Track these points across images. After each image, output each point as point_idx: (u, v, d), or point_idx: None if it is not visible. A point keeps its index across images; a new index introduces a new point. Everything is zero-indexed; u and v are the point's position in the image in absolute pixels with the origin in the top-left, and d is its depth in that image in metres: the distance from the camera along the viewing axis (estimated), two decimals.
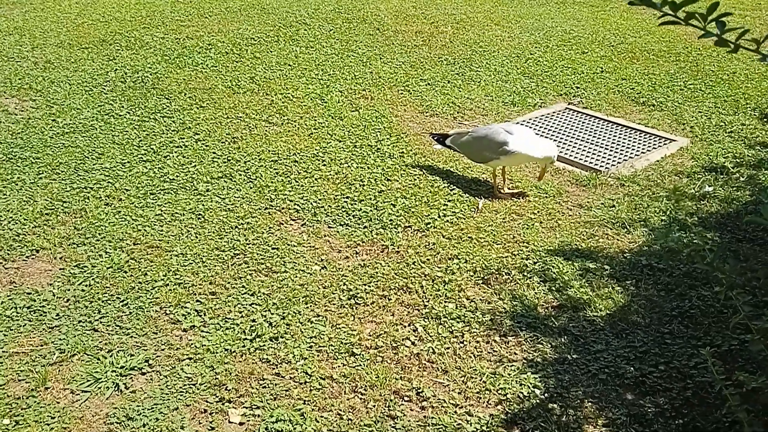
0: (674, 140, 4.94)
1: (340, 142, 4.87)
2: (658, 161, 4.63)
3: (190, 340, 3.03)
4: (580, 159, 4.69)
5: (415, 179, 4.35)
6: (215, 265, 3.52)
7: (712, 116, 5.28)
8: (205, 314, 3.18)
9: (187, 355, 2.93)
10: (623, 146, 4.87)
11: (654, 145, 4.89)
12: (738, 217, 3.91)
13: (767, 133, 4.97)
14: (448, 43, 6.93)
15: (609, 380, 2.79)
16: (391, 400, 2.70)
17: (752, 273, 3.28)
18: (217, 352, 2.94)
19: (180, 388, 2.76)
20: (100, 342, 3.01)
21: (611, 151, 4.81)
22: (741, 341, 2.92)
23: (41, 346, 2.99)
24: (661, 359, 2.88)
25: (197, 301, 3.26)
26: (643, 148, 4.83)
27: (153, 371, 2.86)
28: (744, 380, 2.01)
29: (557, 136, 5.01)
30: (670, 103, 5.54)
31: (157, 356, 2.93)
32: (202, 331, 3.07)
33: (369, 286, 3.36)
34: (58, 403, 2.70)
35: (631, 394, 2.72)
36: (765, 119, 5.21)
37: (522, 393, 2.71)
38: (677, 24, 1.45)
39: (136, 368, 2.86)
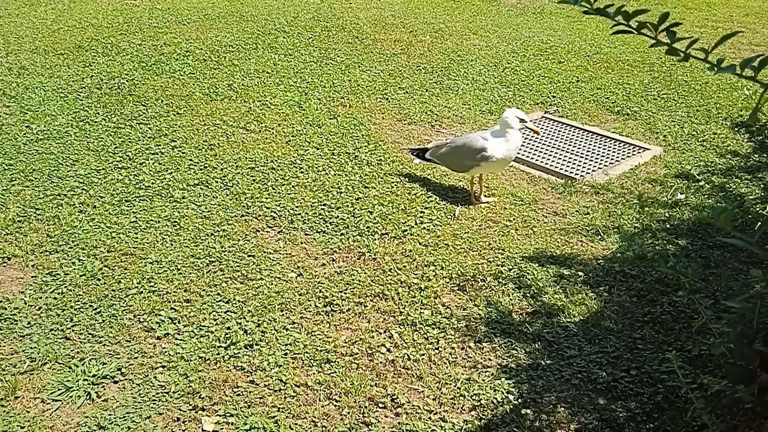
0: (648, 149, 5.02)
1: (317, 149, 4.87)
2: (632, 169, 4.70)
3: (164, 347, 3.00)
4: (556, 167, 4.74)
5: (392, 187, 4.37)
6: (190, 273, 3.50)
7: (684, 125, 5.38)
8: (179, 322, 3.15)
9: (160, 363, 2.91)
10: (598, 154, 4.93)
11: (628, 153, 4.96)
12: (709, 224, 3.98)
13: (738, 142, 5.07)
14: (427, 52, 6.98)
15: (581, 385, 2.82)
16: (365, 407, 2.70)
17: (719, 279, 3.34)
18: (191, 360, 2.92)
19: (153, 396, 2.74)
20: (71, 350, 2.98)
21: (586, 159, 4.87)
22: (710, 344, 2.96)
23: (11, 354, 2.95)
24: (633, 364, 2.92)
25: (171, 308, 3.24)
26: (617, 157, 4.90)
27: (125, 379, 2.83)
28: (708, 383, 2.04)
29: (533, 145, 5.06)
30: (644, 113, 5.63)
31: (130, 364, 2.90)
32: (176, 339, 3.05)
33: (345, 293, 3.36)
34: (28, 412, 2.66)
35: (603, 399, 2.75)
36: (736, 128, 5.31)
37: (496, 399, 2.73)
38: (629, 33, 1.48)
39: (108, 377, 2.83)
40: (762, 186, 4.36)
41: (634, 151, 5.00)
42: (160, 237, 3.80)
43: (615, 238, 3.86)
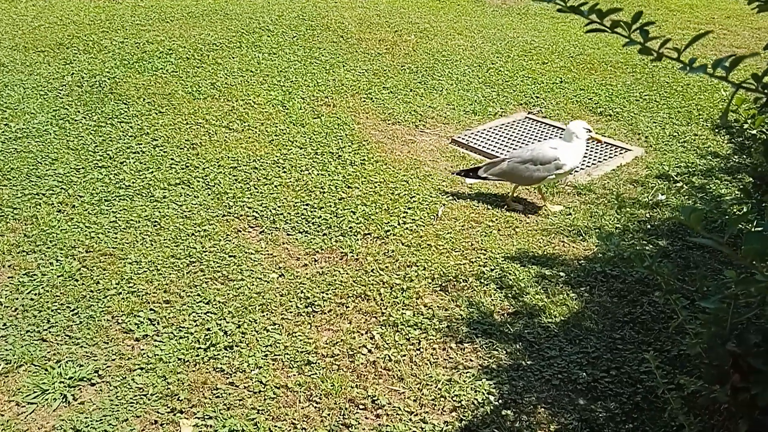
0: (629, 149, 5.05)
1: (301, 149, 4.85)
2: (613, 170, 4.72)
3: (143, 349, 2.97)
4: None
5: (375, 186, 4.36)
6: (170, 273, 3.47)
7: (666, 126, 5.41)
8: (158, 323, 3.12)
9: (138, 365, 2.88)
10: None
11: (610, 154, 4.99)
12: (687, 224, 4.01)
13: (718, 143, 5.11)
14: (411, 52, 6.97)
15: (562, 386, 2.82)
16: (346, 409, 2.68)
17: (690, 276, 3.36)
18: (169, 362, 2.89)
19: (130, 399, 2.70)
20: (48, 352, 2.94)
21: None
22: (686, 345, 2.98)
23: None
24: (613, 364, 2.93)
25: (151, 309, 3.21)
26: (599, 157, 4.93)
27: (103, 382, 2.79)
28: (685, 384, 2.06)
29: (517, 145, 5.07)
30: (626, 114, 5.66)
31: (108, 366, 2.87)
32: (155, 341, 3.02)
33: (327, 294, 3.35)
34: (2, 415, 2.62)
35: (583, 399, 2.75)
36: (716, 130, 5.36)
37: (477, 399, 2.73)
38: (603, 32, 1.48)
39: (85, 379, 2.80)
40: (741, 187, 4.40)
41: (615, 151, 5.03)
42: (140, 237, 3.76)
43: (596, 239, 3.87)
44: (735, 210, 2.11)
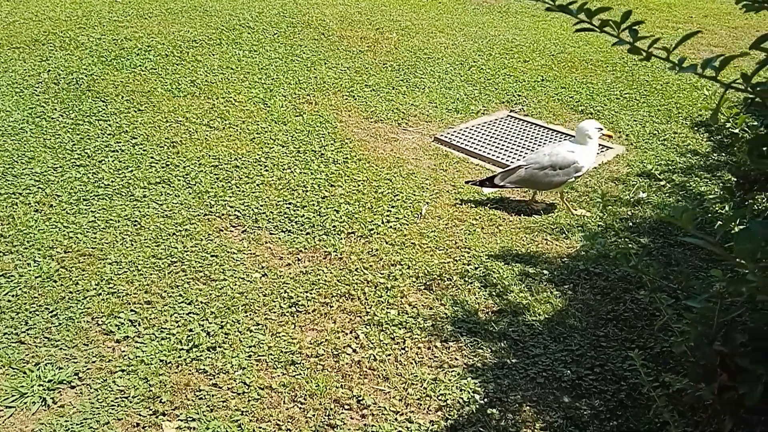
0: (611, 148, 5.08)
1: (283, 147, 4.81)
2: (595, 168, 4.75)
3: (123, 351, 2.92)
4: None
5: (358, 185, 4.33)
6: (151, 274, 3.42)
7: (646, 125, 5.46)
8: (139, 324, 3.07)
9: (119, 367, 2.83)
10: None
11: None
12: (670, 222, 4.05)
13: (698, 141, 5.16)
14: (393, 50, 6.95)
15: (547, 384, 2.83)
16: (331, 409, 2.66)
17: (674, 274, 3.40)
18: (151, 364, 2.85)
19: (111, 401, 2.66)
20: (26, 355, 2.88)
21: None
22: (670, 342, 3.01)
23: None
24: (597, 362, 2.94)
25: (131, 310, 3.16)
26: None
27: (83, 384, 2.74)
28: (670, 381, 2.07)
29: (499, 143, 5.08)
30: (607, 112, 5.70)
31: (88, 369, 2.82)
32: (136, 342, 2.97)
33: (310, 294, 3.32)
34: None
35: (567, 397, 2.76)
36: (695, 128, 5.42)
37: (462, 398, 2.72)
38: (592, 31, 1.48)
39: (64, 382, 2.74)
40: (720, 185, 4.46)
41: (597, 150, 5.05)
42: (120, 237, 3.70)
43: (579, 237, 3.89)
44: (717, 208, 2.13)
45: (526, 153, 4.96)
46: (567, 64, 6.79)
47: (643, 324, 3.18)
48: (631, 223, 4.05)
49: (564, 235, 3.90)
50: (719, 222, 2.47)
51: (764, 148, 1.39)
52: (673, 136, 5.25)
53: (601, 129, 4.10)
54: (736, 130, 2.28)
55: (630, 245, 3.80)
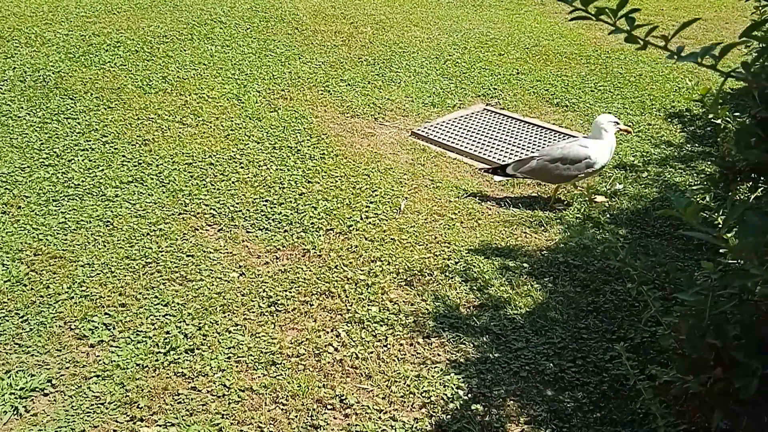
0: None
1: (258, 143, 4.74)
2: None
3: (98, 356, 2.84)
4: (498, 159, 4.76)
5: (336, 181, 4.29)
6: (125, 275, 3.33)
7: (620, 117, 5.49)
8: (114, 328, 2.99)
9: (94, 372, 2.75)
10: (539, 146, 4.98)
11: None
12: (647, 213, 4.08)
13: (671, 132, 5.21)
14: (368, 44, 6.90)
15: (530, 377, 2.82)
16: (313, 409, 2.62)
17: (660, 267, 3.42)
18: (127, 368, 2.78)
19: (87, 408, 2.58)
20: None
21: (528, 151, 4.91)
22: (651, 333, 3.03)
23: None
24: (579, 354, 2.94)
25: (105, 314, 3.07)
26: None
27: (56, 392, 2.66)
28: (656, 374, 2.07)
29: (476, 137, 5.07)
30: (582, 104, 5.72)
31: (61, 375, 2.74)
32: (111, 346, 2.89)
33: (290, 292, 3.27)
34: None
35: (551, 390, 2.76)
36: (669, 119, 5.47)
37: (446, 395, 2.70)
38: (588, 19, 1.45)
39: (37, 389, 2.66)
40: (695, 175, 4.50)
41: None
42: (92, 238, 3.60)
43: (558, 229, 3.90)
44: (698, 199, 2.15)
45: (503, 146, 4.96)
46: (541, 57, 6.81)
47: (623, 315, 3.19)
48: (608, 215, 4.06)
49: (543, 228, 3.90)
50: (703, 213, 2.48)
51: (751, 139, 1.38)
52: (648, 128, 5.29)
53: (617, 123, 4.05)
54: (719, 121, 2.29)
55: (608, 236, 3.81)
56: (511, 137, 5.11)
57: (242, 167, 4.41)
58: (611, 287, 3.39)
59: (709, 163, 4.61)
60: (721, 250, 1.87)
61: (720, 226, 1.73)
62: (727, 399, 1.51)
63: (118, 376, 2.73)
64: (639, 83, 6.18)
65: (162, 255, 3.50)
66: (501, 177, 4.24)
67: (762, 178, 1.70)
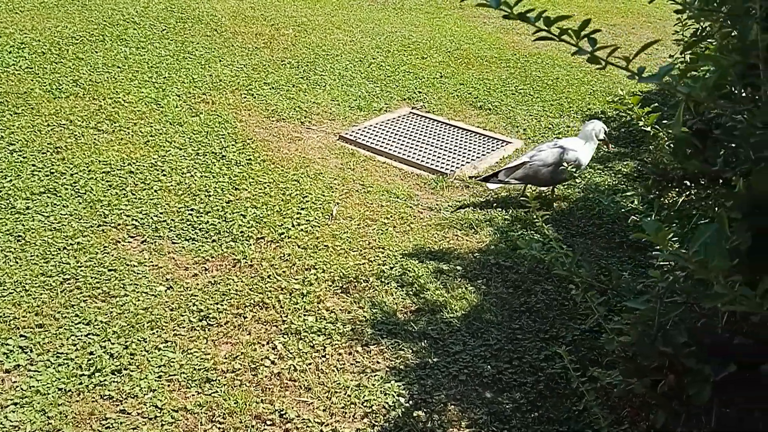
0: (510, 142, 5.23)
1: (180, 149, 4.56)
2: (497, 162, 4.87)
3: (15, 382, 2.64)
4: (427, 162, 4.80)
5: (265, 187, 4.19)
6: (41, 294, 3.12)
7: (541, 119, 5.67)
8: (31, 351, 2.79)
9: (11, 400, 2.55)
10: (465, 149, 5.06)
11: (493, 147, 5.14)
12: (571, 213, 4.22)
13: None
14: (290, 46, 6.80)
15: (469, 380, 2.85)
16: (252, 426, 2.54)
17: (600, 270, 3.53)
18: (48, 394, 2.59)
19: None
20: None
21: (455, 153, 4.98)
22: (582, 331, 3.13)
23: None
24: (515, 355, 3.00)
25: (21, 336, 2.86)
26: (483, 151, 5.06)
27: None
28: (598, 376, 2.13)
29: (404, 140, 5.09)
30: (504, 107, 5.86)
31: None
32: (29, 371, 2.70)
33: (222, 305, 3.16)
34: None
35: (489, 392, 2.80)
36: (585, 121, 5.68)
37: (387, 403, 2.68)
38: (551, 40, 1.47)
39: None
40: (612, 174, 4.71)
41: (498, 144, 5.19)
42: (2, 254, 3.35)
43: (488, 231, 3.97)
44: (627, 202, 2.23)
45: (431, 150, 5.01)
46: (463, 61, 6.93)
47: (555, 314, 3.28)
48: (534, 216, 4.16)
49: (473, 230, 3.96)
50: (633, 217, 2.59)
51: (687, 149, 1.44)
52: (567, 130, 5.48)
53: (604, 132, 4.24)
54: (647, 128, 2.39)
55: (536, 236, 3.91)
56: (438, 140, 5.17)
57: (164, 175, 4.23)
58: (542, 287, 3.48)
59: (625, 163, 4.83)
60: (653, 253, 1.96)
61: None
62: (670, 400, 1.58)
63: (39, 403, 2.54)
64: (557, 86, 6.40)
65: (81, 270, 3.30)
66: (494, 185, 4.30)
67: (693, 185, 1.79)
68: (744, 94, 1.45)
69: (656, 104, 3.09)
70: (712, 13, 1.40)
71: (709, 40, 2.10)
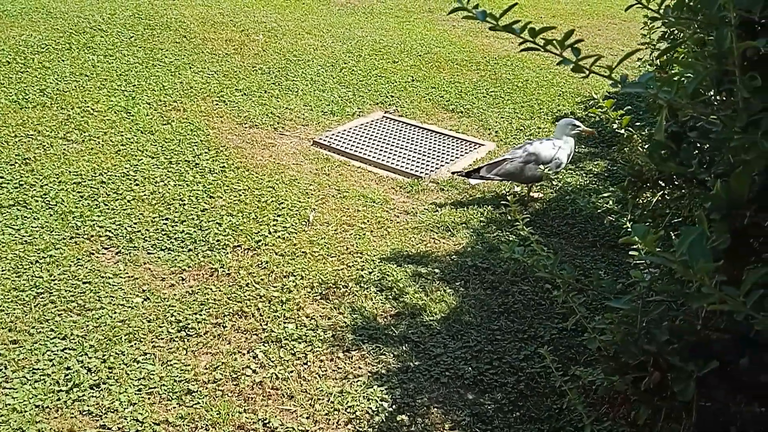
0: (483, 144, 5.28)
1: (152, 158, 4.51)
2: (470, 164, 4.91)
3: None
4: (401, 166, 4.82)
5: (240, 195, 4.16)
6: (14, 309, 3.06)
7: (512, 121, 5.74)
8: (6, 368, 2.73)
9: None
10: (439, 152, 5.10)
11: (465, 149, 5.18)
12: (545, 213, 4.28)
13: None
14: (261, 52, 6.77)
15: (450, 383, 2.87)
16: None
17: (579, 271, 3.58)
18: (25, 411, 2.54)
19: None
20: None
21: (428, 157, 5.01)
22: (559, 330, 3.18)
23: None
24: (495, 356, 3.03)
25: None
26: (456, 153, 5.10)
27: None
28: (581, 375, 2.17)
29: (378, 145, 5.11)
30: (475, 110, 5.92)
31: None
32: (5, 388, 2.64)
33: (200, 315, 3.13)
34: None
35: (471, 394, 2.82)
36: (555, 122, 5.77)
37: (371, 408, 2.69)
38: (536, 50, 1.50)
39: None
40: (584, 174, 4.79)
41: (471, 147, 5.24)
42: None
43: (464, 233, 4.00)
44: (602, 203, 2.28)
45: (405, 153, 5.03)
46: (434, 64, 6.97)
47: (532, 314, 3.33)
48: (509, 217, 4.22)
49: (450, 232, 3.99)
50: (609, 217, 2.64)
51: (663, 152, 1.49)
52: (538, 131, 5.56)
53: (579, 126, 4.32)
54: (621, 130, 2.45)
55: (511, 237, 3.96)
56: (412, 144, 5.20)
57: (137, 184, 4.18)
58: (519, 288, 3.52)
59: (596, 163, 4.91)
60: (631, 253, 2.01)
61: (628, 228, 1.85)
62: (653, 396, 1.62)
63: (16, 421, 2.49)
64: (527, 88, 6.48)
65: (55, 284, 3.24)
66: (476, 180, 4.41)
67: (667, 186, 1.85)
68: (720, 100, 1.50)
69: (629, 107, 3.15)
70: (687, 21, 1.45)
71: (678, 49, 2.16)
